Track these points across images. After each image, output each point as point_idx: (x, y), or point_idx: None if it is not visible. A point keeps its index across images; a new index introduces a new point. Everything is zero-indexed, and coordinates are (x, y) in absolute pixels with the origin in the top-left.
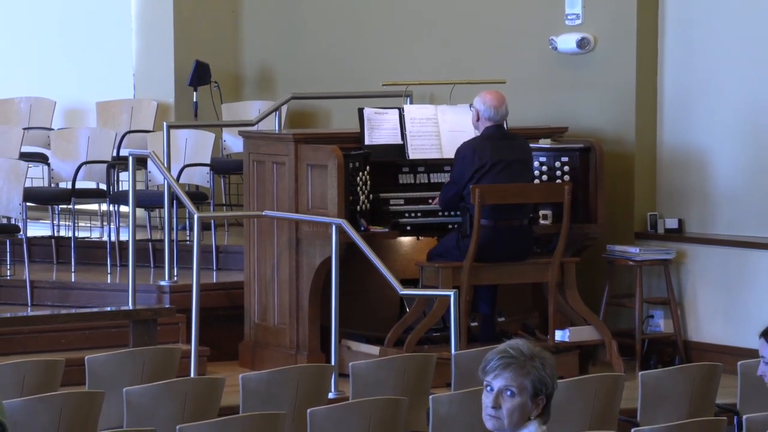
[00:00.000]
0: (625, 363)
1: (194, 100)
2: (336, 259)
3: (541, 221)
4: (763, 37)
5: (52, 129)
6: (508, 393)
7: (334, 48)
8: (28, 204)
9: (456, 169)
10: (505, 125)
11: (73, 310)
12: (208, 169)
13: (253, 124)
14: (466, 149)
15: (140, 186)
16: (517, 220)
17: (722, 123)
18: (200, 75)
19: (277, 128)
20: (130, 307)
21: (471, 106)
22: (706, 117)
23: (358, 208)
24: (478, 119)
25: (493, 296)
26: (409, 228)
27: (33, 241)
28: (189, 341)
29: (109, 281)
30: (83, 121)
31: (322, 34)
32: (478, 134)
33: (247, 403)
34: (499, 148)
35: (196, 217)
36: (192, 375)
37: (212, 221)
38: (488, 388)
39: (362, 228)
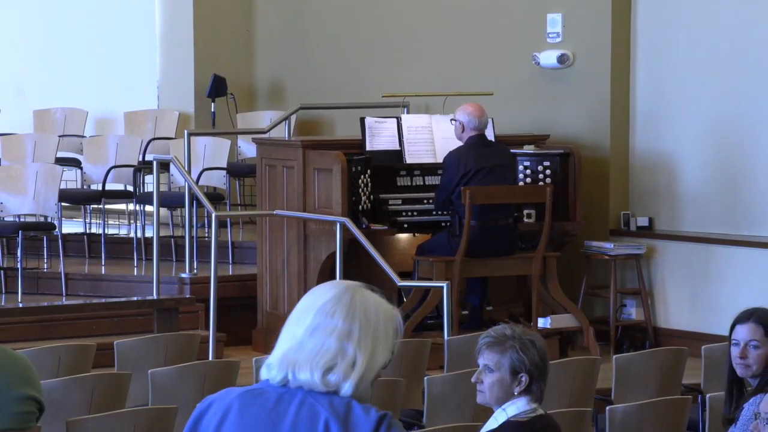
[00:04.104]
0: (600, 347)
1: (212, 110)
2: (340, 254)
3: (525, 220)
4: (726, 53)
5: (85, 136)
6: (488, 369)
7: (338, 63)
8: (62, 204)
9: (444, 177)
10: (487, 134)
11: (103, 300)
12: (224, 172)
13: (265, 132)
14: (451, 159)
15: (163, 188)
16: (503, 219)
17: (689, 130)
18: (218, 87)
19: (286, 135)
20: (155, 297)
21: (452, 120)
22: (675, 125)
23: (360, 207)
24: (463, 130)
25: (483, 290)
26: (406, 225)
27: (67, 238)
28: (207, 328)
29: (135, 274)
30: (112, 129)
31: (327, 51)
32: (462, 144)
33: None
34: (481, 155)
35: (213, 215)
36: (210, 358)
37: (228, 219)
38: (479, 366)
39: (364, 226)
